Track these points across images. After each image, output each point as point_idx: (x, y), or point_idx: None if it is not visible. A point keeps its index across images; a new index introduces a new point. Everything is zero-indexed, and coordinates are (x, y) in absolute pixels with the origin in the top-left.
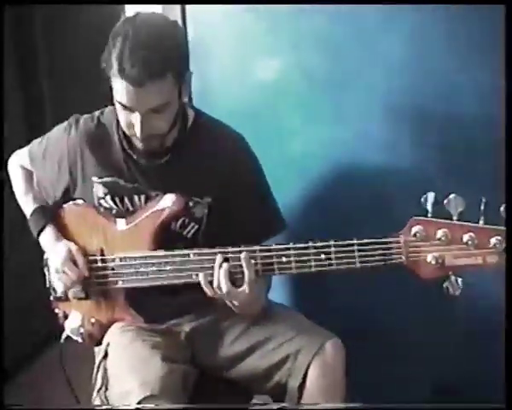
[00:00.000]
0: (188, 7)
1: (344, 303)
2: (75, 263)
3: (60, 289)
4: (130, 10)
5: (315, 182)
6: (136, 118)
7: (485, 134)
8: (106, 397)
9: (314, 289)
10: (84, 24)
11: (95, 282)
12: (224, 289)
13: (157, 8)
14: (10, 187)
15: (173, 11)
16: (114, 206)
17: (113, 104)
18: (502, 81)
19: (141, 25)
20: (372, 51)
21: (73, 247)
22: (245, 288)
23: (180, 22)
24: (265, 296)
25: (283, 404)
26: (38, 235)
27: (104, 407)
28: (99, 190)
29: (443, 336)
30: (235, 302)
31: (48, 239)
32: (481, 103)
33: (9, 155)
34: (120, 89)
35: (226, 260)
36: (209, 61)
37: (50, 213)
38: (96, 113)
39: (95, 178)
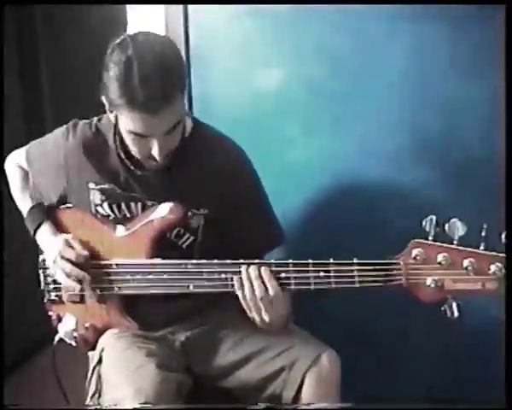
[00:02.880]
0: (191, 15)
1: (340, 314)
2: (72, 248)
3: (61, 279)
4: (132, 11)
5: (314, 193)
6: (153, 143)
7: (485, 149)
8: (99, 404)
9: (309, 300)
10: (85, 25)
11: (91, 286)
12: (258, 294)
13: (160, 18)
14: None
15: (176, 19)
16: (111, 213)
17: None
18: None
19: (142, 48)
20: (373, 64)
21: (69, 236)
22: (272, 294)
23: (182, 30)
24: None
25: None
26: (35, 232)
27: (99, 407)
28: (96, 197)
29: (442, 338)
30: (266, 315)
31: (44, 235)
32: (482, 118)
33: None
34: (133, 119)
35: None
36: (210, 70)
37: (48, 211)
38: (94, 119)
39: (92, 185)
